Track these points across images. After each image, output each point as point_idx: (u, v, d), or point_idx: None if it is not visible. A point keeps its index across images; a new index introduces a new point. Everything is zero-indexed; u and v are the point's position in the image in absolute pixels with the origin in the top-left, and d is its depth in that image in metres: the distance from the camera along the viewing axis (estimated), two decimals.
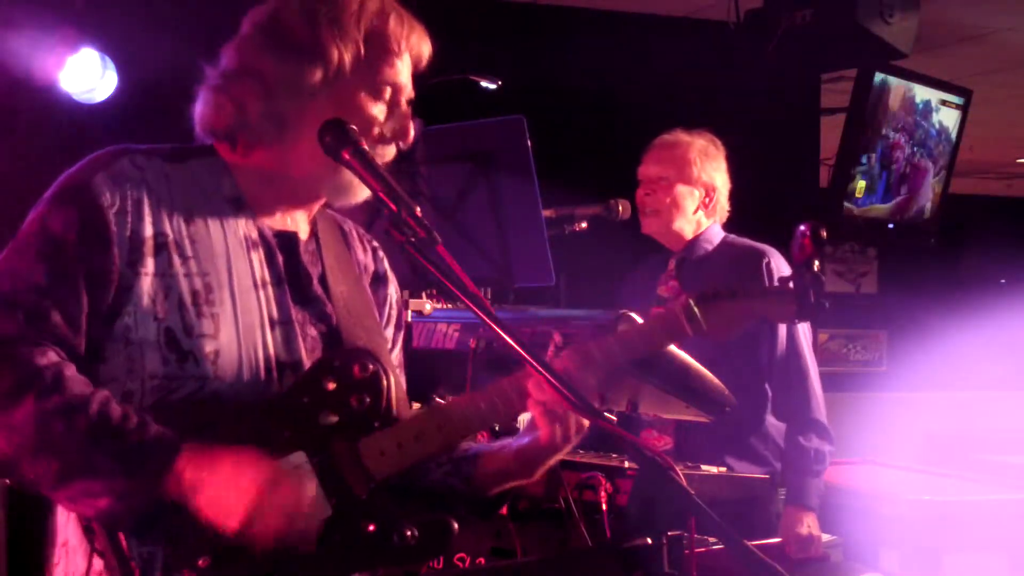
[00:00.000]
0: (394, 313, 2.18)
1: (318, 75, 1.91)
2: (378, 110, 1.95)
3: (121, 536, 1.76)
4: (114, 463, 1.73)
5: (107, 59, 4.66)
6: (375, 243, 2.20)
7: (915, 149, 6.21)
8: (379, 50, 1.94)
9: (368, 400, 1.88)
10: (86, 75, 4.63)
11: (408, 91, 1.99)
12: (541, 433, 1.93)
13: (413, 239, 1.81)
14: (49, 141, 4.78)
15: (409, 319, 2.92)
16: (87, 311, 1.81)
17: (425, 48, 2.02)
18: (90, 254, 1.81)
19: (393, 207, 1.82)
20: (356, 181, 1.94)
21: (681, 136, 3.65)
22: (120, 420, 1.75)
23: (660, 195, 3.60)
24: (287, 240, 1.99)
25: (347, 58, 1.91)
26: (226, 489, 1.74)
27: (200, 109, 1.96)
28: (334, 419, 1.86)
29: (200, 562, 1.76)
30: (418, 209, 1.84)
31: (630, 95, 5.86)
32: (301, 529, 1.78)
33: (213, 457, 1.76)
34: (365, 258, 2.15)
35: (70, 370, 1.78)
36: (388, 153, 1.98)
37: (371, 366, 1.90)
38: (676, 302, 1.99)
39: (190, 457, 1.75)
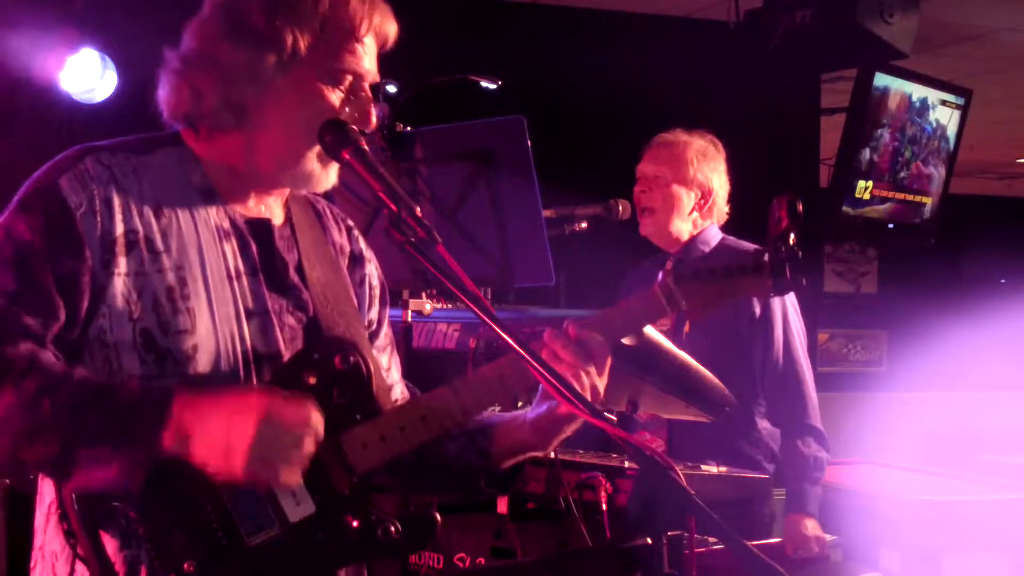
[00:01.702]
0: (376, 292, 2.15)
1: (273, 61, 1.87)
2: (336, 97, 1.91)
3: (104, 541, 1.75)
4: (109, 422, 1.71)
5: (107, 59, 4.66)
6: (350, 222, 2.17)
7: (910, 147, 6.21)
8: (338, 35, 1.90)
9: (349, 393, 1.87)
10: (86, 75, 4.63)
11: (371, 76, 1.95)
12: (559, 403, 1.90)
13: (413, 239, 1.80)
14: (49, 141, 4.78)
15: (409, 319, 2.92)
16: (62, 318, 1.78)
17: (390, 29, 1.96)
18: (59, 259, 1.79)
19: (393, 207, 1.82)
20: (317, 171, 1.92)
21: (680, 136, 3.64)
22: (104, 383, 1.74)
23: (655, 193, 3.58)
24: (260, 228, 1.96)
25: (303, 44, 1.87)
26: (225, 431, 1.71)
27: (161, 93, 1.93)
28: None
29: (186, 566, 1.75)
30: (418, 209, 1.83)
31: (630, 95, 5.86)
32: (305, 453, 1.75)
33: (209, 399, 1.73)
34: (341, 239, 2.12)
35: (44, 355, 1.75)
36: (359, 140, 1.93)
37: (351, 357, 1.88)
38: (655, 282, 1.96)
39: (185, 401, 1.73)
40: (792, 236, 1.93)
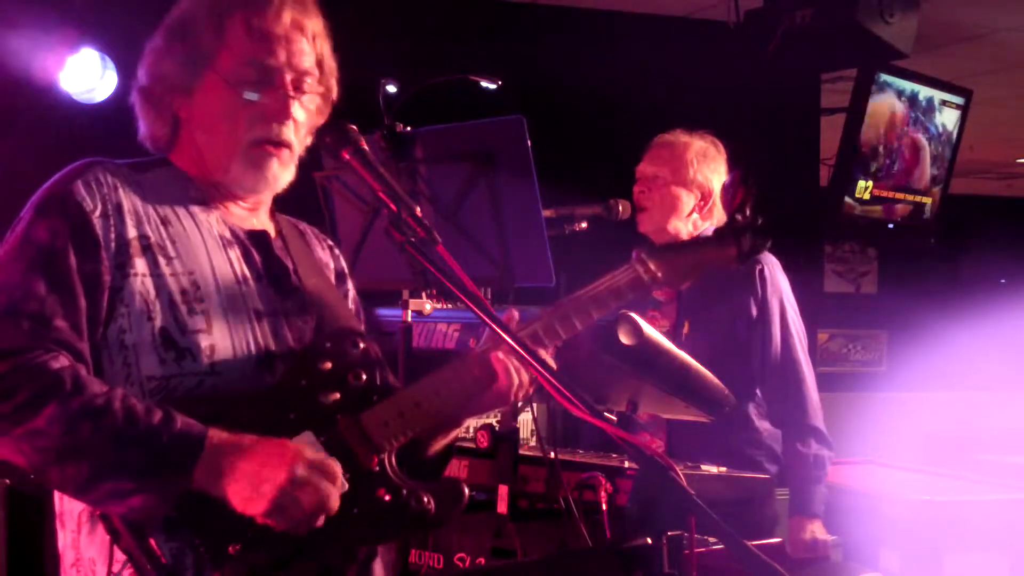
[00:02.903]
0: (353, 308, 2.22)
1: (188, 67, 1.94)
2: (250, 94, 1.94)
3: (150, 538, 1.76)
4: (145, 459, 1.74)
5: (107, 59, 4.66)
6: (331, 241, 2.24)
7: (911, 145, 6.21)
8: (241, 35, 1.94)
9: (365, 375, 1.92)
10: (86, 75, 4.63)
11: (292, 70, 1.96)
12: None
13: (413, 239, 1.83)
14: (49, 141, 4.78)
15: (409, 319, 2.92)
16: (87, 316, 1.82)
17: (310, 24, 1.99)
18: (82, 260, 1.82)
19: (393, 207, 1.84)
20: (253, 171, 1.96)
21: (680, 136, 3.63)
22: (145, 415, 1.76)
23: (654, 194, 3.58)
24: (259, 238, 2.02)
25: (210, 45, 1.93)
26: (254, 476, 1.75)
27: (139, 128, 2.02)
28: (336, 396, 1.90)
29: (230, 549, 1.78)
30: (418, 209, 1.85)
31: (630, 95, 5.86)
32: (327, 513, 1.79)
33: (240, 444, 1.78)
34: (324, 256, 2.19)
35: (84, 372, 1.78)
36: (281, 132, 1.96)
37: (362, 343, 1.94)
38: (634, 258, 2.06)
39: (217, 445, 1.77)
40: (748, 206, 2.04)
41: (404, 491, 1.88)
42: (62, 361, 1.76)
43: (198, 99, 1.95)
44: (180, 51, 1.95)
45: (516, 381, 1.98)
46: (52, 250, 1.81)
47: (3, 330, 1.76)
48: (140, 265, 1.86)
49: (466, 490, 1.92)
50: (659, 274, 2.02)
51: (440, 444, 2.09)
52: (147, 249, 1.87)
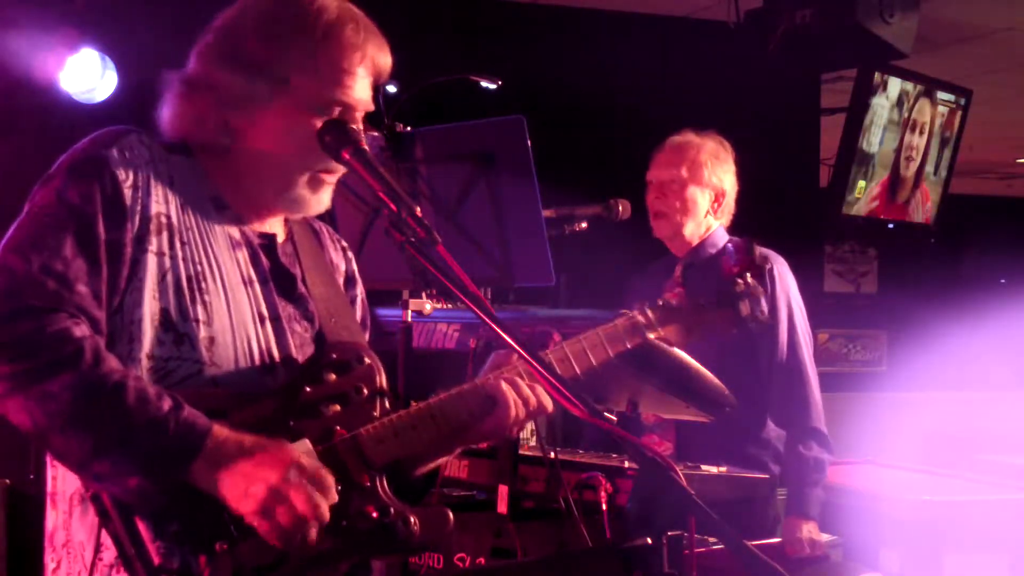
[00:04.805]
0: (359, 313, 2.22)
1: (262, 87, 1.93)
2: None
3: (139, 526, 1.76)
4: (149, 443, 1.73)
5: (107, 59, 4.66)
6: (344, 243, 2.24)
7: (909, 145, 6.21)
8: (329, 66, 1.95)
9: (366, 391, 1.93)
10: (86, 75, 4.63)
11: (363, 106, 1.99)
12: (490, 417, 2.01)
13: (413, 239, 1.84)
14: (49, 141, 4.77)
15: (409, 319, 2.92)
16: (107, 285, 1.82)
17: (384, 61, 2.02)
18: (109, 229, 1.83)
19: (393, 207, 1.85)
20: (308, 196, 1.98)
21: (692, 138, 3.63)
22: (156, 400, 1.76)
23: (671, 199, 3.58)
24: (267, 242, 2.03)
25: (292, 72, 1.93)
26: (250, 475, 1.75)
27: (164, 114, 2.00)
28: (337, 408, 1.91)
29: (217, 546, 1.78)
30: (418, 209, 1.86)
31: (630, 95, 5.86)
32: (311, 526, 1.78)
33: (242, 442, 1.78)
34: (336, 258, 2.19)
35: (103, 345, 1.79)
36: (338, 166, 1.99)
37: (367, 359, 1.96)
38: (636, 309, 2.20)
39: (220, 440, 1.77)
40: (748, 275, 2.22)
41: (392, 511, 1.88)
42: (84, 330, 1.76)
43: (262, 117, 1.95)
44: (257, 65, 1.93)
45: (514, 415, 2.00)
46: (83, 214, 1.82)
47: (29, 287, 1.76)
48: (156, 243, 1.87)
49: (451, 517, 1.92)
50: (661, 331, 2.21)
51: (427, 467, 2.11)
52: (164, 228, 1.88)
